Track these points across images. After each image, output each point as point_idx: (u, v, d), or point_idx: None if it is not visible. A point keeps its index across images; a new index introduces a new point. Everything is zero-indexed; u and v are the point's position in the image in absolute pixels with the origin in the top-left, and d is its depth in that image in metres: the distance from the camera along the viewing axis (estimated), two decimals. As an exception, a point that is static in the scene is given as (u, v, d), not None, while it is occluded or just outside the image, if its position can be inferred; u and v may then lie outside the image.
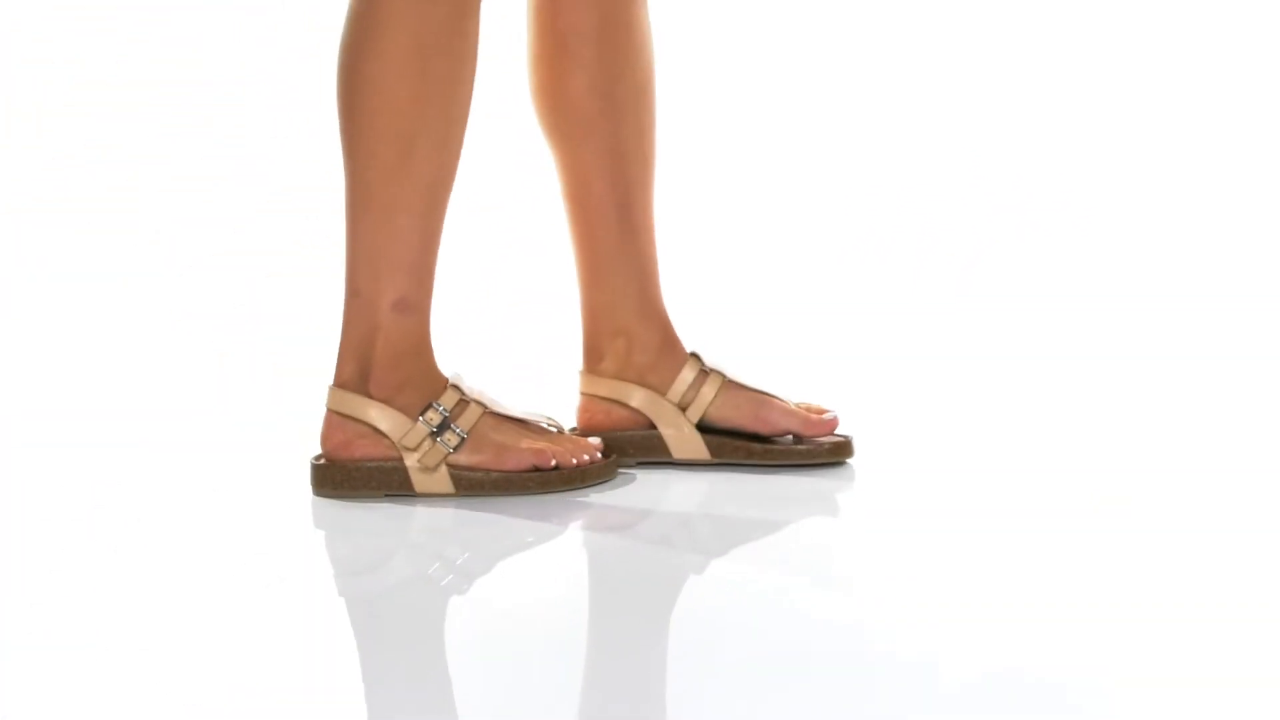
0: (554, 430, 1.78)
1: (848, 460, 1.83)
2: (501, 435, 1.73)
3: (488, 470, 1.72)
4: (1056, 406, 2.19)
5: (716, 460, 1.82)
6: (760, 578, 1.53)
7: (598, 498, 1.76)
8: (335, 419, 1.73)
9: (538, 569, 1.58)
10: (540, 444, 1.73)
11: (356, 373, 1.72)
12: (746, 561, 1.59)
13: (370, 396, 1.72)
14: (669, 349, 1.83)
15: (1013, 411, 2.17)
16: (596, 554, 1.62)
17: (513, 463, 1.72)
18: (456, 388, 1.73)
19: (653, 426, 1.82)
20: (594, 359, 1.84)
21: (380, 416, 1.72)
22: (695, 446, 1.82)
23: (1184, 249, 2.95)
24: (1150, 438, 2.01)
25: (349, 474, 1.72)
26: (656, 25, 1.85)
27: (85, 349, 2.60)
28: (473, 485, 1.72)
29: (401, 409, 1.71)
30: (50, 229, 3.04)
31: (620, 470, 1.81)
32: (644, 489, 1.79)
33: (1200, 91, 3.20)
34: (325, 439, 1.74)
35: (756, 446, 1.81)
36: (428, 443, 1.71)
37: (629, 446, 1.82)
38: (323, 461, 1.74)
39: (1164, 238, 2.99)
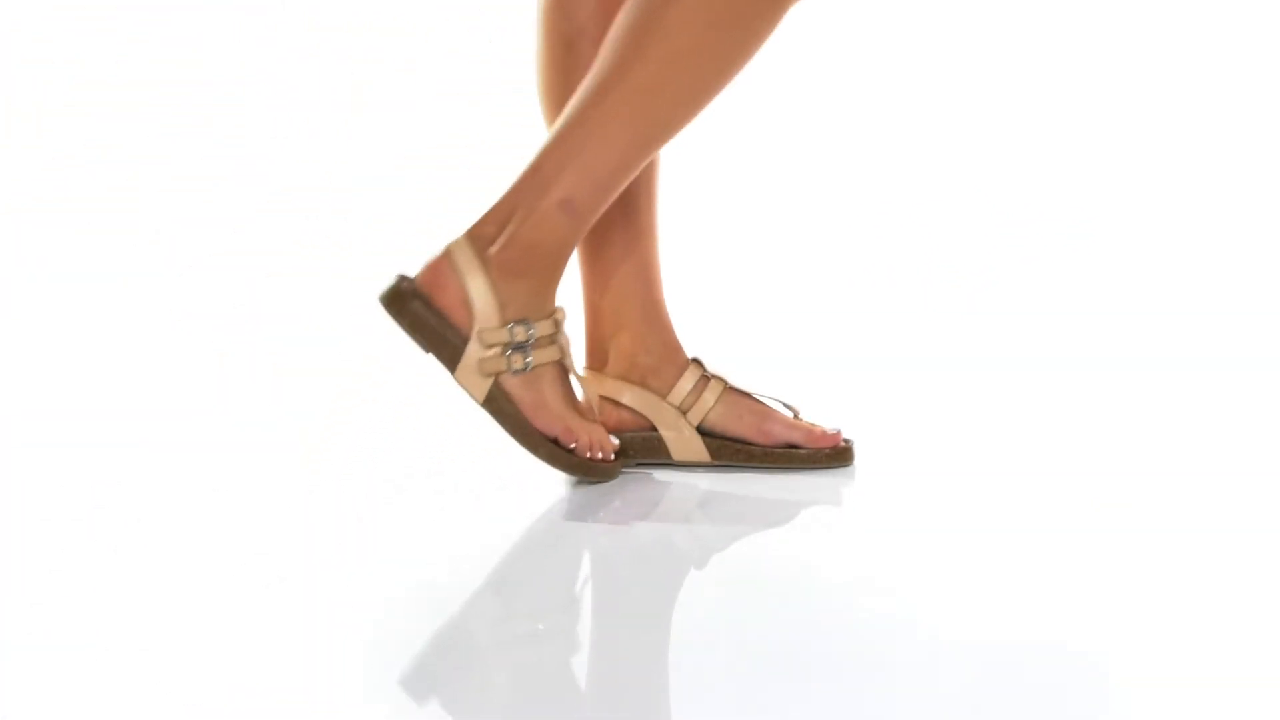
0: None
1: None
2: (552, 393, 1.72)
3: (524, 422, 1.71)
4: (1056, 411, 2.19)
5: (717, 462, 1.82)
6: (760, 577, 1.53)
7: (598, 497, 1.76)
8: (445, 262, 1.70)
9: (537, 568, 1.58)
10: (575, 423, 1.73)
11: (489, 237, 1.70)
12: (746, 561, 1.59)
13: (486, 267, 1.70)
14: (671, 353, 1.83)
15: (1012, 416, 2.17)
16: (596, 553, 1.62)
17: (541, 422, 1.71)
18: (557, 321, 1.72)
19: (653, 428, 1.82)
20: (597, 359, 1.84)
21: (480, 293, 1.69)
22: (696, 449, 1.82)
23: (1182, 255, 2.95)
24: (1149, 442, 2.01)
25: (417, 316, 1.69)
26: None
27: (85, 349, 2.60)
28: (499, 413, 1.70)
29: (501, 301, 1.70)
30: (50, 229, 3.04)
31: (621, 470, 1.81)
32: (644, 489, 1.79)
33: (1200, 99, 3.20)
34: (425, 269, 1.70)
35: (757, 449, 1.81)
36: (497, 351, 1.70)
37: (629, 447, 1.82)
38: (407, 283, 1.70)
39: (1162, 244, 2.99)
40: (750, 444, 1.81)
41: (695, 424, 1.81)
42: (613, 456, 1.77)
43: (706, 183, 3.07)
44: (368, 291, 2.05)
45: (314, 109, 3.18)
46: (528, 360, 1.70)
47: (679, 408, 1.81)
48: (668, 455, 1.82)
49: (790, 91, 3.23)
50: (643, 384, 1.82)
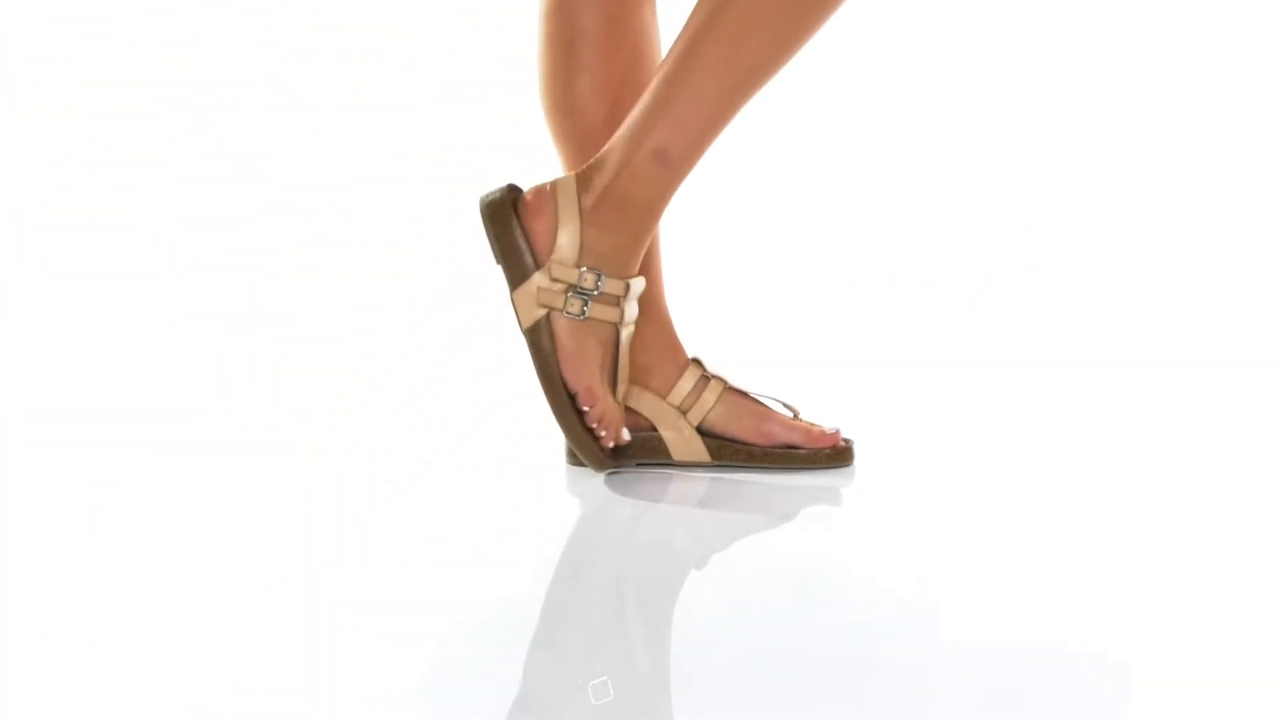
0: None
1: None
2: (594, 352, 1.72)
3: (554, 366, 1.71)
4: (1056, 411, 2.19)
5: (717, 462, 1.82)
6: (761, 577, 1.53)
7: (597, 496, 1.76)
8: (549, 194, 1.72)
9: (537, 569, 1.58)
10: (600, 392, 1.72)
11: (586, 179, 1.72)
12: (746, 561, 1.59)
13: (581, 213, 1.70)
14: (671, 353, 1.83)
15: (1012, 416, 2.17)
16: (596, 553, 1.62)
17: (569, 373, 1.71)
18: (629, 286, 1.72)
19: (653, 428, 1.82)
20: None
21: (568, 233, 1.71)
22: (696, 449, 1.82)
23: (1182, 256, 2.95)
24: (1149, 441, 2.01)
25: (505, 226, 1.72)
26: (666, 30, 1.85)
27: (85, 349, 2.60)
28: (535, 347, 1.71)
29: (586, 248, 1.71)
30: (50, 229, 3.04)
31: (620, 470, 1.81)
32: (644, 489, 1.79)
33: (1200, 101, 3.20)
34: (531, 191, 1.73)
35: (757, 450, 1.81)
36: (559, 287, 1.71)
37: (629, 448, 1.82)
38: (512, 194, 1.73)
39: (1162, 245, 2.99)
40: (750, 445, 1.82)
41: (695, 424, 1.81)
42: (611, 445, 1.76)
43: (706, 183, 3.07)
44: (368, 292, 2.07)
45: (314, 109, 3.18)
46: (585, 308, 1.71)
47: (679, 408, 1.81)
48: (668, 455, 1.82)
49: (790, 92, 3.23)
50: (643, 384, 1.82)
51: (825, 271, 2.98)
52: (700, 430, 1.82)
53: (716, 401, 1.81)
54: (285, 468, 1.91)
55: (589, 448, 1.75)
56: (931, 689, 1.21)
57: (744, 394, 1.83)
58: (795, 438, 1.82)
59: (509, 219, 1.72)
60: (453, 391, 2.01)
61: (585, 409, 1.73)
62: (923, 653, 1.28)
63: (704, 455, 1.82)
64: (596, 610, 1.42)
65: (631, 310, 1.74)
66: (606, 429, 1.75)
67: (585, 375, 1.72)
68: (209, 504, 1.77)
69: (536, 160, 1.95)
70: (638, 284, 1.74)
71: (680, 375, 1.82)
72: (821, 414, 1.89)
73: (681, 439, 1.81)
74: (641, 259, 1.74)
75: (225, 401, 2.27)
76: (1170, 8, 3.22)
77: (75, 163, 3.14)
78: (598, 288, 1.70)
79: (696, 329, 1.92)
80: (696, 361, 1.83)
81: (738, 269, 2.99)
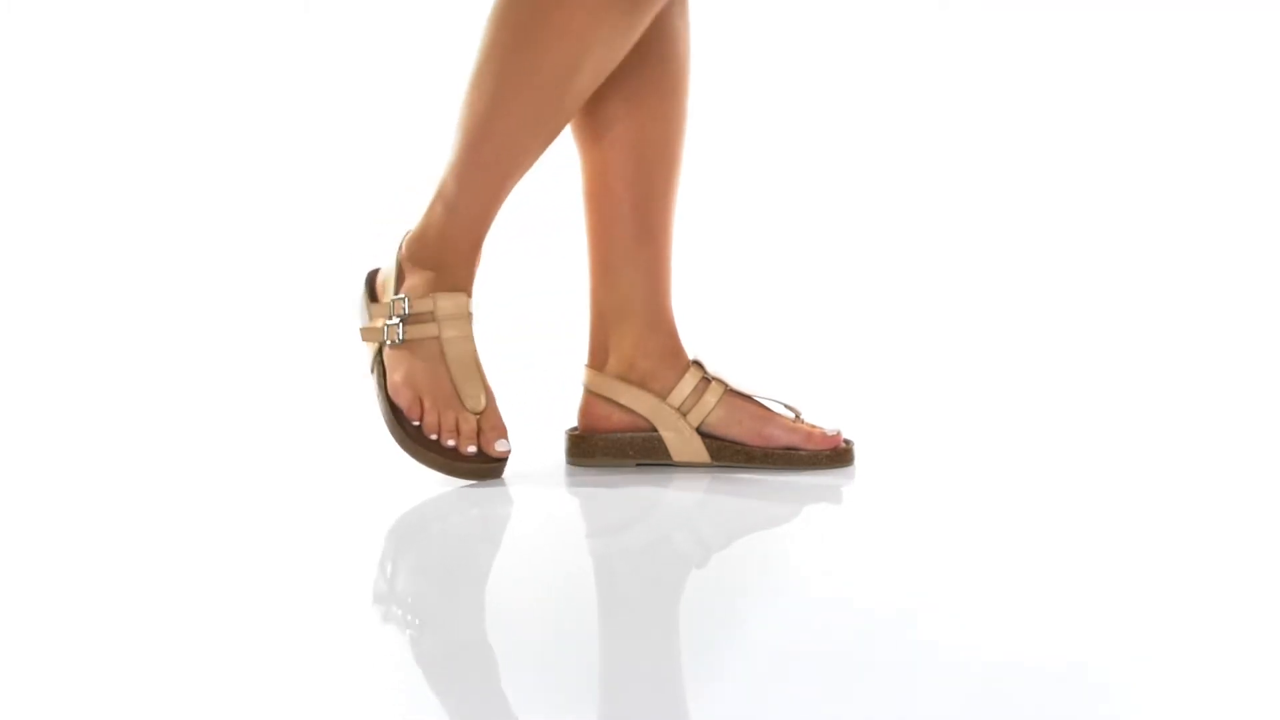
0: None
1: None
2: (422, 369, 1.77)
3: (384, 390, 1.78)
4: (1055, 411, 2.19)
5: (717, 463, 1.82)
6: (761, 577, 1.53)
7: (597, 495, 1.76)
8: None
9: (537, 569, 1.58)
10: (433, 403, 1.76)
11: (407, 237, 1.81)
12: (747, 561, 1.59)
13: (399, 257, 1.81)
14: (672, 355, 1.83)
15: (1012, 416, 2.17)
16: (596, 554, 1.62)
17: (395, 394, 1.77)
18: (440, 305, 1.77)
19: (653, 429, 1.82)
20: (599, 357, 1.84)
21: (385, 275, 1.83)
22: (696, 449, 1.82)
23: (1182, 256, 2.95)
24: (1149, 442, 2.01)
25: (361, 292, 1.85)
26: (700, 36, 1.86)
27: (86, 349, 2.60)
28: (377, 385, 1.78)
29: (401, 286, 1.80)
30: (50, 229, 3.04)
31: (619, 470, 1.82)
32: (644, 489, 1.79)
33: (1199, 102, 3.20)
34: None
35: (757, 451, 1.82)
36: (379, 323, 1.79)
37: (629, 448, 1.82)
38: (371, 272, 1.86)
39: (1162, 245, 3.00)
40: (750, 447, 1.82)
41: (695, 425, 1.82)
42: (472, 450, 1.76)
43: (707, 184, 3.08)
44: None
45: (314, 109, 3.19)
46: (399, 334, 1.77)
47: (679, 409, 1.81)
48: (668, 456, 1.82)
49: (789, 92, 3.24)
50: (642, 385, 1.82)
51: (824, 271, 2.99)
52: (701, 432, 1.82)
53: (717, 404, 1.81)
54: (285, 468, 1.91)
55: (429, 457, 1.76)
56: (931, 689, 1.21)
57: (745, 396, 1.83)
58: (796, 440, 1.82)
59: (365, 284, 1.85)
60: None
61: (415, 422, 1.76)
62: (922, 653, 1.28)
63: (704, 456, 1.82)
64: (596, 611, 1.42)
65: (452, 326, 1.77)
66: (452, 436, 1.76)
67: (409, 391, 1.76)
68: (210, 504, 1.77)
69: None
70: (446, 299, 1.77)
71: (680, 377, 1.82)
72: (822, 414, 1.89)
73: (681, 439, 1.82)
74: (460, 282, 1.79)
75: (224, 402, 2.27)
76: (1170, 8, 3.22)
77: (75, 163, 3.14)
78: (405, 311, 1.76)
79: (698, 330, 1.92)
80: (697, 364, 1.84)
81: (737, 270, 2.99)
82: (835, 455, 1.82)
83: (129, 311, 2.80)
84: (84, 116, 3.15)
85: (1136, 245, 3.00)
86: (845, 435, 1.86)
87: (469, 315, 1.78)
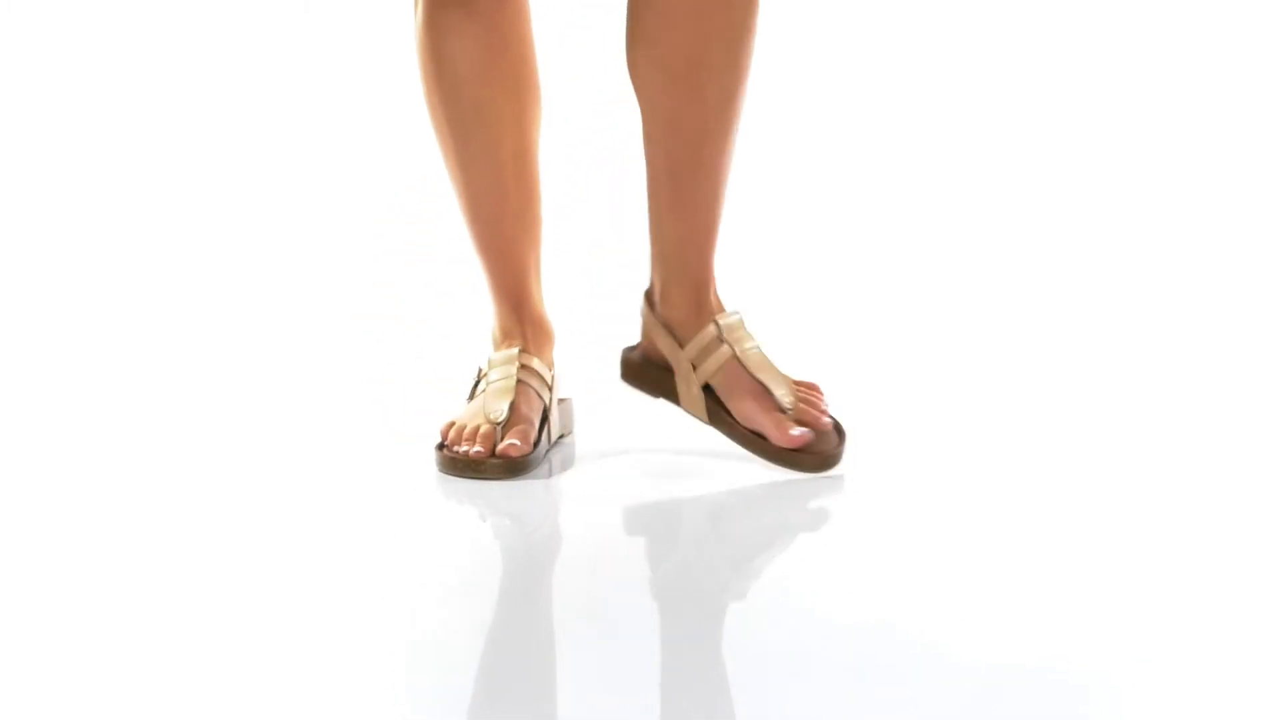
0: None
1: (831, 469, 1.82)
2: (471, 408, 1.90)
3: None
4: (1055, 411, 2.19)
5: (709, 424, 1.87)
6: (760, 578, 1.53)
7: (596, 496, 1.76)
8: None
9: (537, 570, 1.58)
10: (459, 425, 1.86)
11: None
12: (746, 561, 1.59)
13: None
14: (696, 308, 1.89)
15: (1011, 416, 2.17)
16: (595, 555, 1.62)
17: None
18: (507, 361, 1.92)
19: (671, 370, 1.90)
20: (652, 292, 1.92)
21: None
22: (697, 405, 1.88)
23: (1181, 256, 2.95)
24: (1149, 442, 2.01)
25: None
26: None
27: (87, 349, 2.60)
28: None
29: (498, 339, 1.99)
30: (50, 229, 3.04)
31: (621, 474, 1.82)
32: (645, 489, 1.79)
33: (1199, 102, 3.20)
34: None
35: (737, 426, 1.85)
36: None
37: (656, 386, 1.91)
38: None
39: (1162, 245, 3.00)
40: (734, 419, 1.84)
41: (701, 383, 1.86)
42: (487, 449, 1.83)
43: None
44: (369, 292, 2.07)
45: (315, 109, 3.19)
46: (481, 385, 1.92)
47: (691, 361, 1.86)
48: (676, 400, 1.90)
49: (790, 92, 3.24)
50: (670, 332, 1.89)
51: (824, 271, 2.98)
52: (706, 390, 1.86)
53: (718, 370, 1.85)
54: (285, 468, 1.91)
55: (468, 468, 1.83)
56: (931, 690, 1.21)
57: (745, 369, 1.85)
58: (765, 425, 1.83)
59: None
60: (456, 389, 2.01)
61: (439, 444, 1.87)
62: (922, 654, 1.28)
63: (702, 413, 1.88)
64: (596, 611, 1.42)
65: (509, 369, 1.92)
66: (465, 442, 1.84)
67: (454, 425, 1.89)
68: (212, 504, 1.77)
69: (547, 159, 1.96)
70: (511, 357, 1.93)
71: (699, 331, 1.87)
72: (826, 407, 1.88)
73: (689, 392, 1.88)
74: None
75: (226, 401, 2.27)
76: (1171, 7, 3.22)
77: (75, 163, 3.14)
78: (482, 377, 1.95)
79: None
80: (716, 323, 1.86)
81: (738, 270, 2.99)
82: (791, 457, 1.81)
83: (129, 311, 2.80)
84: (84, 116, 3.15)
85: (1136, 245, 3.00)
86: (843, 436, 1.85)
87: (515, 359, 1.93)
